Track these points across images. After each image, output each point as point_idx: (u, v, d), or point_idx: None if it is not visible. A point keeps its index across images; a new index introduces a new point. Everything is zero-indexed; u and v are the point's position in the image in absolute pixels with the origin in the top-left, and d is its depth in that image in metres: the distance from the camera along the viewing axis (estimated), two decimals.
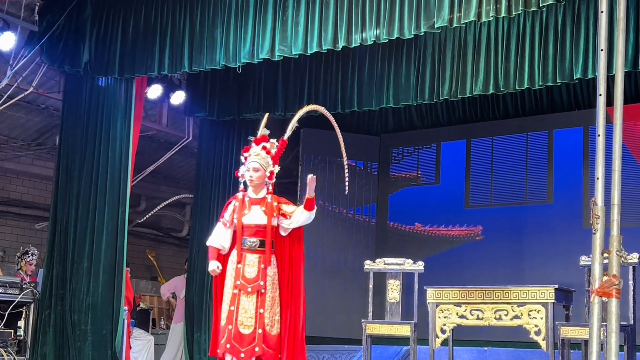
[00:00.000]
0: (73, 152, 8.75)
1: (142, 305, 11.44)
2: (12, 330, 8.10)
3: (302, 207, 6.06)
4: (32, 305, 8.27)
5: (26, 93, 9.17)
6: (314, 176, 6.00)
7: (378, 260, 7.60)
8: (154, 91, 9.83)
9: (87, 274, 8.49)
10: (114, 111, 8.80)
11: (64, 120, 8.93)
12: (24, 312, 8.23)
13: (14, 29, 8.49)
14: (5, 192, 11.17)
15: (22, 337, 8.19)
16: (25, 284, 8.28)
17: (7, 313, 7.92)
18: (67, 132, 8.85)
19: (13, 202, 11.23)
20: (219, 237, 6.18)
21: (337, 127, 6.48)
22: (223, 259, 6.19)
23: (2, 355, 7.71)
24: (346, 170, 6.35)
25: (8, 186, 11.21)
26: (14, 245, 11.04)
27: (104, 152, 8.72)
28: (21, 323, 8.20)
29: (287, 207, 6.13)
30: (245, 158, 6.18)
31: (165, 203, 12.28)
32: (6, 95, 8.90)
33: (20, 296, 8.08)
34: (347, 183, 6.38)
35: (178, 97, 10.14)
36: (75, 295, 8.45)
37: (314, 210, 6.09)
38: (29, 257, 8.98)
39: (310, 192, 6.01)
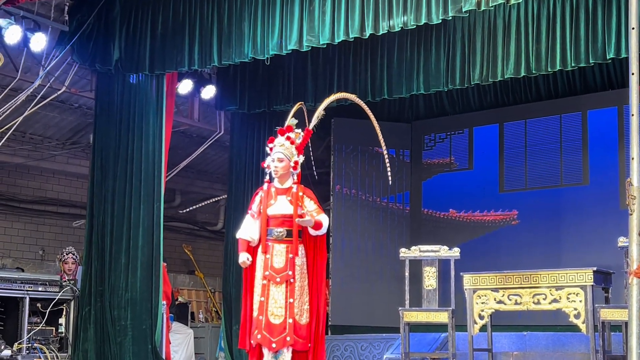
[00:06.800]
0: (107, 150, 8.82)
1: (180, 299, 11.52)
2: (54, 328, 8.21)
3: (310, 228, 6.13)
4: (72, 303, 8.37)
5: (59, 93, 9.25)
6: (301, 219, 6.01)
7: (413, 247, 7.58)
8: (185, 86, 9.89)
9: (125, 269, 8.56)
10: (146, 107, 8.85)
11: (97, 119, 9.00)
12: (64, 310, 8.34)
13: (44, 30, 8.58)
14: (42, 192, 11.30)
15: (63, 334, 8.29)
16: (65, 281, 8.39)
17: (48, 311, 8.03)
18: (101, 130, 8.92)
19: (50, 201, 11.35)
20: (248, 229, 6.23)
21: (372, 115, 6.48)
22: (253, 250, 6.24)
23: (45, 353, 7.82)
24: (387, 160, 6.36)
25: (45, 185, 11.34)
26: (52, 243, 11.18)
27: (138, 149, 8.78)
28: (62, 320, 8.30)
29: (309, 204, 6.16)
30: (271, 149, 6.21)
31: (202, 204, 12.41)
32: (40, 96, 8.99)
33: (60, 294, 8.17)
34: (389, 172, 6.41)
35: (209, 92, 10.19)
36: (114, 291, 8.54)
37: (324, 227, 6.15)
38: (64, 256, 9.08)
39: (306, 224, 6.04)
